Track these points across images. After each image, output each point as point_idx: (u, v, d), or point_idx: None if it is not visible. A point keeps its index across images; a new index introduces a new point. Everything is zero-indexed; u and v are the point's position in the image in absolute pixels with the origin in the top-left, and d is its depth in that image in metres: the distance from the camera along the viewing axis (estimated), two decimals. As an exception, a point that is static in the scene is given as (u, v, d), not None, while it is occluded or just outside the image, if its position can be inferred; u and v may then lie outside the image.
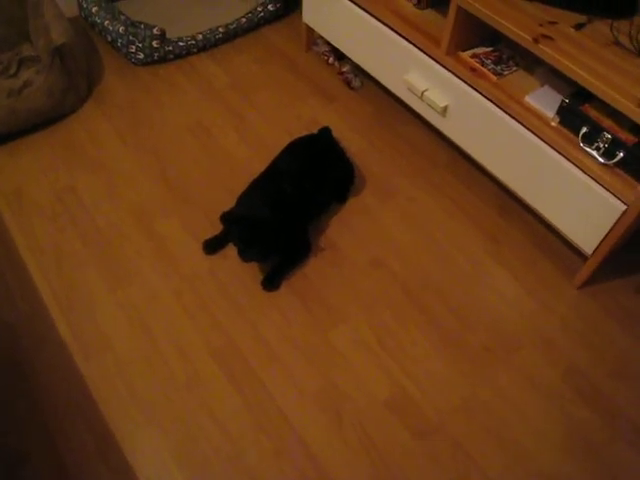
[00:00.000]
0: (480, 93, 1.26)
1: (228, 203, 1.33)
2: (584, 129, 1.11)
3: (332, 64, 1.75)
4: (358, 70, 1.73)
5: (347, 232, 1.38)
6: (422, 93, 1.36)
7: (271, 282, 1.28)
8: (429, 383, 1.13)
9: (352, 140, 1.55)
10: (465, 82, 1.28)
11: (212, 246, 1.33)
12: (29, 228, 1.35)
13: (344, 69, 1.71)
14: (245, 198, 1.27)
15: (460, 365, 1.16)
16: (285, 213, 1.23)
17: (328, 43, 1.75)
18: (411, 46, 1.36)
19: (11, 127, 1.49)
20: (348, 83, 1.70)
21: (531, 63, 1.29)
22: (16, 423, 1.06)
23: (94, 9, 1.74)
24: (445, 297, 1.26)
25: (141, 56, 1.73)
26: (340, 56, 1.74)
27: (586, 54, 1.06)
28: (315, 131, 1.45)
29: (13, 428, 1.05)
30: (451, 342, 1.19)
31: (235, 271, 1.29)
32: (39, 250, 1.32)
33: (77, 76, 1.60)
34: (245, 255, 1.21)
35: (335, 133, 1.50)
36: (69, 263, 1.31)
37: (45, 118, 1.57)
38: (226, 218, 1.25)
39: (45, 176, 1.47)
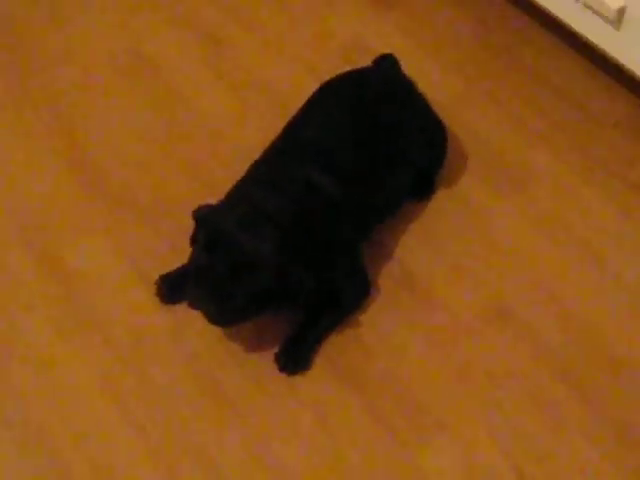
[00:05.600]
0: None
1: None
2: None
3: None
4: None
5: (437, 252, 1.26)
6: (578, -14, 1.24)
7: (294, 356, 1.14)
8: None
9: (436, 79, 1.44)
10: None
11: (176, 288, 1.19)
12: None
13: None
14: (239, 196, 1.16)
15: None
16: (316, 238, 1.13)
17: None
18: None
19: None
20: (421, -29, 1.55)
21: None
22: None
23: None
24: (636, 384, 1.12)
25: None
26: None
27: None
28: (368, 64, 1.35)
29: None
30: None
31: (220, 335, 1.16)
32: None
33: None
34: (205, 307, 1.09)
35: (403, 66, 1.36)
36: None
37: None
38: (201, 218, 1.13)
39: None
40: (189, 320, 1.17)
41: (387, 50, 1.34)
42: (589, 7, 1.24)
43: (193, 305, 1.10)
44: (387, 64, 1.31)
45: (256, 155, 1.20)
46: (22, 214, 1.35)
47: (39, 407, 1.14)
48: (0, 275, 1.27)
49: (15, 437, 1.12)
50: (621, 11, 1.19)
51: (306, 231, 1.12)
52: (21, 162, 1.41)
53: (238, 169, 1.19)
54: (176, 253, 1.21)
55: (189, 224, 1.10)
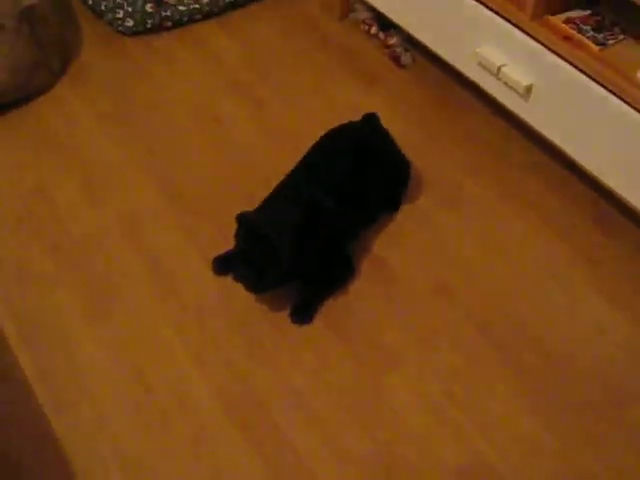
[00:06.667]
0: (577, 68, 1.26)
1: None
2: None
3: (375, 35, 1.82)
4: (408, 43, 1.77)
5: (400, 247, 1.42)
6: (498, 69, 1.37)
7: (302, 313, 1.31)
8: (513, 447, 1.14)
9: (402, 131, 1.54)
10: (557, 54, 1.28)
11: (224, 265, 1.36)
12: (-16, 240, 1.42)
13: (391, 42, 1.77)
14: (268, 206, 1.31)
15: (553, 424, 1.17)
16: (318, 237, 1.27)
17: (370, 8, 1.80)
18: (486, 9, 1.38)
19: (-37, 112, 1.53)
20: (396, 59, 1.76)
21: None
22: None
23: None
24: (530, 335, 1.29)
25: (130, 23, 1.78)
26: (385, 25, 1.79)
27: None
28: (357, 119, 1.45)
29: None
30: (539, 393, 1.21)
31: (254, 298, 1.33)
32: (-3, 267, 1.38)
33: (49, 48, 1.65)
34: (243, 278, 1.24)
35: (382, 120, 1.47)
36: (35, 284, 1.36)
37: (8, 100, 1.62)
38: (241, 219, 1.26)
39: (6, 174, 1.55)
40: (233, 287, 1.29)
41: (371, 110, 1.45)
42: (508, 86, 1.38)
43: (237, 279, 1.25)
44: (371, 119, 1.42)
45: (281, 178, 1.34)
46: (126, 216, 1.47)
47: (134, 352, 1.27)
48: (105, 255, 1.40)
49: (114, 375, 1.24)
50: (529, 88, 1.33)
51: (311, 231, 1.25)
52: (128, 180, 1.54)
53: (268, 187, 1.33)
54: (225, 242, 1.34)
55: (234, 224, 1.25)
